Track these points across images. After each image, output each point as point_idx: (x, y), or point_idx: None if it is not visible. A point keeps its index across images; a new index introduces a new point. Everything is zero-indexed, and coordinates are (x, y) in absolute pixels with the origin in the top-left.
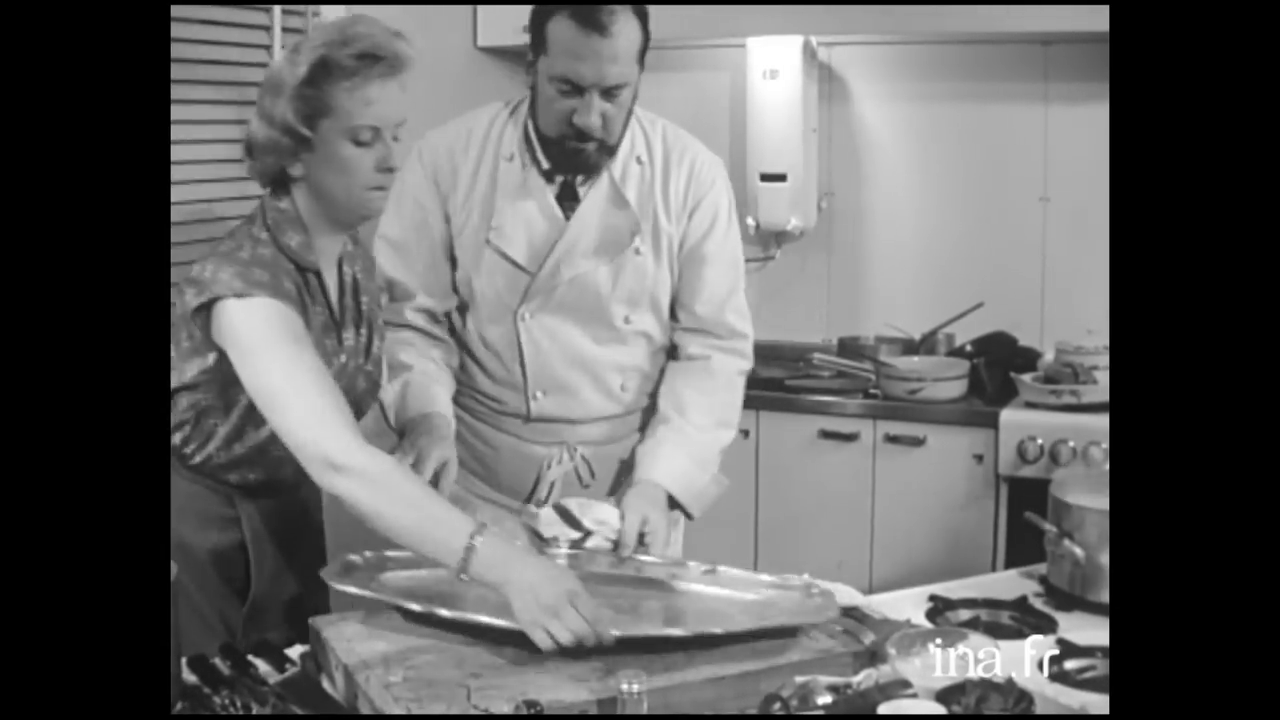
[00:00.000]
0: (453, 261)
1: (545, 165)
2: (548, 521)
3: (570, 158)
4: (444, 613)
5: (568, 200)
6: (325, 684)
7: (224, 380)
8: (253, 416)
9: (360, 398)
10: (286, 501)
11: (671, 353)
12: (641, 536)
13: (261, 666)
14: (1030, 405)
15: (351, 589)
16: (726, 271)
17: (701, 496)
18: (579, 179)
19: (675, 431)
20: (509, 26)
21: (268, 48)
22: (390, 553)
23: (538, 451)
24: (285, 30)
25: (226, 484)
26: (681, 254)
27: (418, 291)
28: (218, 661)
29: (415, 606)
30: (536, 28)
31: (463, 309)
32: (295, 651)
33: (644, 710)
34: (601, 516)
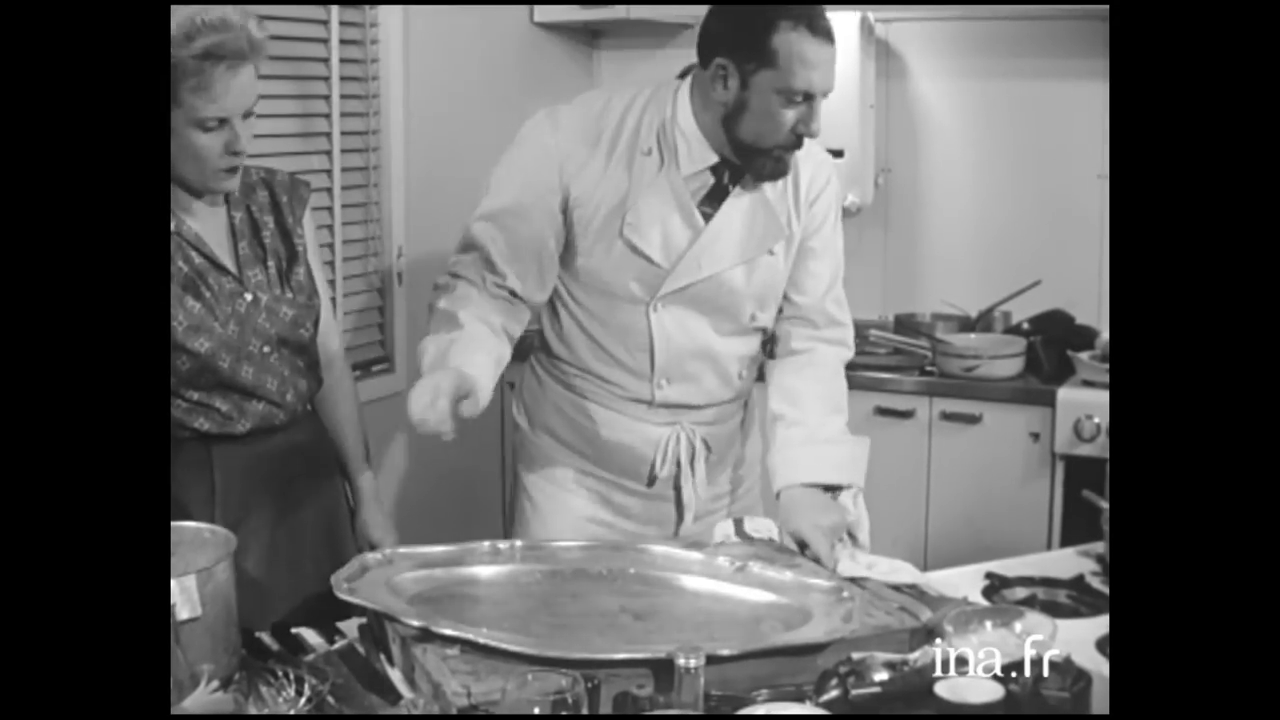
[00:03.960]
0: (568, 249)
1: (726, 178)
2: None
3: (774, 165)
4: (448, 631)
5: (716, 201)
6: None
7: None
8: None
9: (286, 328)
10: (253, 450)
11: (771, 345)
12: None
13: (312, 639)
14: (1087, 384)
15: (359, 600)
16: (831, 264)
17: (856, 462)
18: (727, 181)
19: (797, 426)
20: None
21: (325, 41)
22: (404, 550)
23: (655, 432)
24: (343, 24)
25: (198, 431)
26: (795, 248)
27: (508, 273)
28: (264, 636)
29: (415, 622)
30: (756, 40)
31: (588, 291)
32: (352, 624)
33: (701, 684)
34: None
